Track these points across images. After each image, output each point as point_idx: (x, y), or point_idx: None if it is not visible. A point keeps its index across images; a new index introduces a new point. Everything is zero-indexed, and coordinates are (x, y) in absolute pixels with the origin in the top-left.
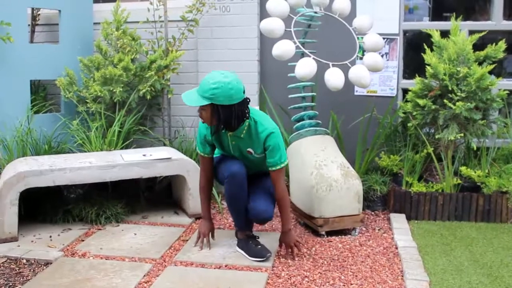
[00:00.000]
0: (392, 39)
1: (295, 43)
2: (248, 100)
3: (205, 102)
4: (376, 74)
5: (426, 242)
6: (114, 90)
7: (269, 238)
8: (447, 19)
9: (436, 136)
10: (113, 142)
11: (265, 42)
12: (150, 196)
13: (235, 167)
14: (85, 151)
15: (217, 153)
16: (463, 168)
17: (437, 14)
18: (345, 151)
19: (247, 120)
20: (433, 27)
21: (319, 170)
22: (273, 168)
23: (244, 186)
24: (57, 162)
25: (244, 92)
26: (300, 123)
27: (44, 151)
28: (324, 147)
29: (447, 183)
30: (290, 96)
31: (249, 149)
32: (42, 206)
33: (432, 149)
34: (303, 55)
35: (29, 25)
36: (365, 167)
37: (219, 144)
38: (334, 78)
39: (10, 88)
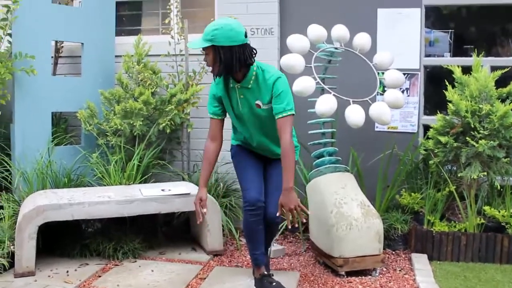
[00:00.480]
0: (413, 74)
1: (315, 79)
2: (254, 50)
3: (206, 44)
4: (397, 110)
5: (449, 284)
6: (134, 124)
7: (287, 277)
8: (468, 51)
9: (459, 174)
10: (132, 176)
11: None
12: (167, 231)
13: (253, 192)
14: (104, 185)
15: (232, 139)
16: (486, 208)
17: (458, 49)
18: (365, 188)
19: (254, 69)
20: (454, 63)
21: (339, 209)
22: (280, 115)
23: (261, 219)
24: (76, 195)
25: (246, 36)
26: (320, 159)
27: (63, 184)
28: (344, 185)
29: (470, 223)
30: (310, 132)
31: (257, 102)
32: (60, 240)
33: (455, 187)
34: (323, 90)
35: (52, 57)
36: (386, 205)
37: (228, 102)
38: (354, 115)
39: (32, 120)
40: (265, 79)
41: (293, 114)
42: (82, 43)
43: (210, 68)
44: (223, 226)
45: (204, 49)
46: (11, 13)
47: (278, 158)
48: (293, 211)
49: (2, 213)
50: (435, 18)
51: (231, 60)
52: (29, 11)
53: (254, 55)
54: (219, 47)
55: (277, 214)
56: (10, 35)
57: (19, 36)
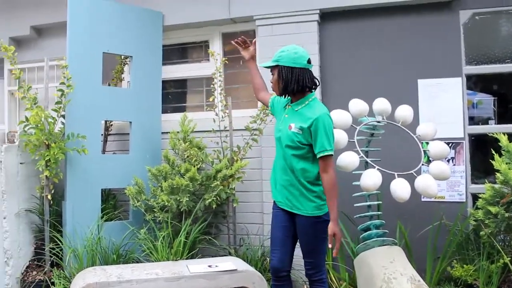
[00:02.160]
0: (458, 143)
1: (358, 152)
2: (316, 79)
3: (271, 64)
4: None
5: None
6: (181, 200)
7: None
8: None
9: None
10: (179, 252)
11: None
12: None
13: (275, 260)
14: (152, 260)
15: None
16: None
17: (502, 115)
18: (415, 261)
19: (311, 98)
20: (499, 131)
21: (389, 284)
22: (319, 154)
23: (285, 285)
24: (125, 273)
25: (309, 63)
26: (367, 233)
27: (112, 260)
28: (393, 259)
29: None
30: (355, 204)
31: (291, 124)
32: None
33: (509, 258)
34: (367, 164)
35: (102, 135)
36: (437, 277)
37: (278, 114)
38: (400, 189)
39: (83, 197)
40: (314, 110)
41: (331, 155)
42: (130, 122)
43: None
44: None
45: (271, 70)
46: (65, 97)
47: (301, 214)
48: (330, 236)
49: None
50: (478, 81)
51: (290, 80)
52: (81, 94)
53: (314, 84)
54: (282, 66)
55: (330, 245)
56: (63, 116)
57: (72, 118)
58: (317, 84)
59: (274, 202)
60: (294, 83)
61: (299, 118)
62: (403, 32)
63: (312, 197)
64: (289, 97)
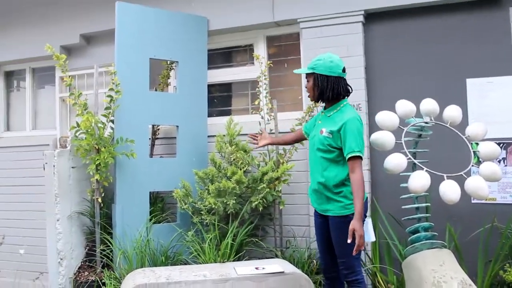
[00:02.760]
0: (509, 143)
1: (406, 154)
2: (349, 86)
3: (307, 71)
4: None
5: None
6: (228, 202)
7: None
8: None
9: None
10: (226, 254)
11: (375, 150)
12: None
13: (323, 265)
14: (200, 262)
15: None
16: None
17: None
18: (465, 265)
19: (343, 104)
20: None
21: None
22: (348, 155)
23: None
24: (173, 274)
25: (343, 71)
26: (415, 235)
27: (161, 262)
28: (442, 262)
29: None
30: (403, 206)
31: (323, 128)
32: None
33: None
34: (415, 165)
35: (149, 139)
36: (489, 281)
37: (313, 127)
38: (449, 191)
39: (131, 200)
40: (344, 115)
41: (360, 157)
42: (177, 126)
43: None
44: None
45: (307, 76)
46: (114, 102)
47: (331, 215)
48: (350, 230)
49: None
50: None
51: (326, 88)
52: (129, 99)
53: (348, 91)
54: (318, 74)
55: (349, 240)
56: (112, 121)
57: (120, 122)
58: (350, 91)
59: (315, 209)
60: (329, 91)
61: (330, 123)
62: (451, 30)
63: (338, 198)
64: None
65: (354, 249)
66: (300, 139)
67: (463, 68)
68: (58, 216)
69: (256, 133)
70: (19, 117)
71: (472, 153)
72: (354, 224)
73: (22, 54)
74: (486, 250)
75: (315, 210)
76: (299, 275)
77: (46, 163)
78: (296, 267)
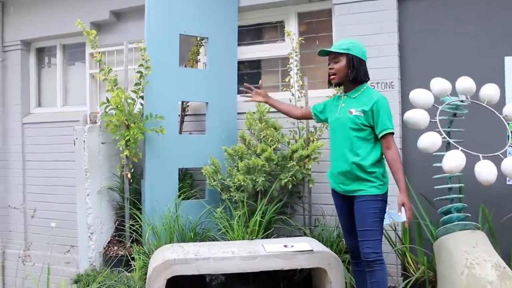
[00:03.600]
0: None
1: (440, 133)
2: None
3: (344, 51)
4: None
5: None
6: (257, 180)
7: None
8: None
9: None
10: (255, 231)
11: (407, 129)
12: (289, 286)
13: (350, 245)
14: (228, 239)
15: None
16: None
17: None
18: (499, 247)
19: (365, 86)
20: None
21: (471, 270)
22: (382, 133)
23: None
24: (202, 250)
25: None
26: (448, 216)
27: (189, 238)
28: (475, 244)
29: None
30: (436, 187)
31: (351, 109)
32: None
33: None
34: (449, 145)
35: (178, 115)
36: None
37: (333, 110)
38: (485, 172)
39: (161, 176)
40: (371, 95)
41: (393, 133)
42: (207, 103)
43: (331, 76)
44: (346, 282)
45: (333, 57)
46: (143, 78)
47: (361, 195)
48: (399, 205)
49: (133, 264)
50: None
51: (360, 70)
52: (159, 75)
53: (368, 78)
54: (354, 56)
55: (399, 213)
56: (142, 97)
57: (150, 99)
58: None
59: (332, 191)
60: (362, 73)
61: (359, 103)
62: (489, 6)
63: (371, 178)
64: (340, 95)
65: (406, 222)
66: (304, 117)
67: (502, 46)
68: (88, 191)
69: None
70: (50, 94)
71: (509, 133)
72: (403, 199)
73: (53, 31)
74: None
75: (335, 192)
76: (328, 253)
77: (76, 139)
78: (325, 245)
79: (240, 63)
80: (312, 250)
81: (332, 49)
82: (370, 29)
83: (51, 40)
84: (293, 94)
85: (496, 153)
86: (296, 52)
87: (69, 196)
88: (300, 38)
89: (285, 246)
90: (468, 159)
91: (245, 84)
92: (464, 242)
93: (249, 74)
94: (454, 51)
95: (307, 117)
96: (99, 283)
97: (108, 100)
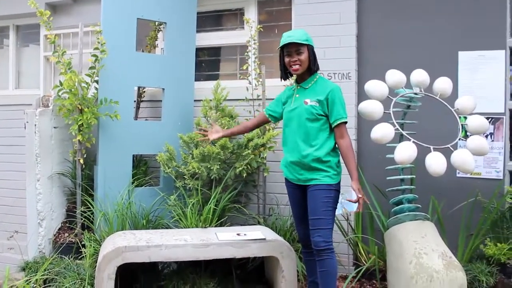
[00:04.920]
0: (498, 118)
1: (394, 125)
2: None
3: (304, 42)
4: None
5: None
6: (211, 167)
7: None
8: None
9: None
10: (208, 219)
11: (362, 120)
12: (242, 275)
13: (301, 234)
14: (181, 227)
15: (282, 163)
16: None
17: None
18: (447, 238)
19: (317, 76)
20: None
21: (419, 259)
22: (336, 122)
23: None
24: (154, 238)
25: None
26: (399, 206)
27: (142, 225)
28: (425, 234)
29: None
30: (388, 178)
31: (306, 99)
32: (136, 280)
33: None
34: (402, 136)
35: (134, 101)
36: (469, 255)
37: (288, 101)
38: (435, 163)
39: (114, 162)
40: (325, 84)
41: (346, 122)
42: (163, 89)
43: (296, 67)
44: (298, 271)
45: (296, 48)
46: (98, 62)
47: (314, 184)
48: (362, 195)
49: (84, 251)
50: None
51: (316, 60)
52: (115, 59)
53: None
54: (312, 47)
55: (360, 194)
56: (97, 82)
57: (105, 83)
58: None
59: (286, 180)
60: (316, 63)
61: (313, 93)
62: (445, 2)
63: (325, 167)
64: (292, 86)
65: (359, 207)
66: (262, 123)
67: (456, 41)
68: (38, 176)
69: (205, 128)
70: (2, 76)
71: (460, 126)
72: (356, 184)
73: (5, 11)
74: (468, 224)
75: (288, 181)
76: (281, 242)
77: (27, 122)
78: (278, 234)
79: (199, 49)
80: (265, 239)
81: (297, 40)
82: (329, 19)
83: (3, 20)
84: (250, 83)
85: (446, 146)
86: (254, 40)
87: (18, 182)
88: (259, 26)
89: (238, 234)
90: (419, 151)
91: (199, 127)
92: (413, 233)
93: (208, 61)
94: (410, 44)
95: (264, 122)
96: (47, 270)
97: (61, 84)
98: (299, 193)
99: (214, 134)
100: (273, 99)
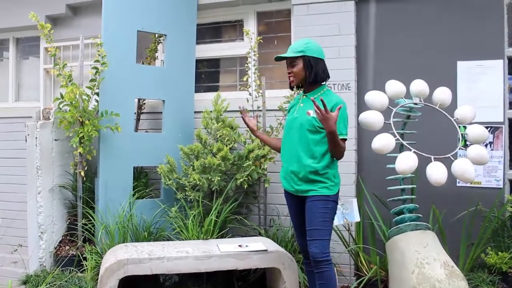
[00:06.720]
0: (497, 127)
1: (394, 135)
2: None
3: (298, 54)
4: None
5: None
6: (212, 179)
7: None
8: None
9: None
10: (210, 231)
11: (362, 130)
12: (244, 286)
13: (301, 246)
14: (183, 239)
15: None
16: None
17: None
18: (448, 247)
19: (325, 88)
20: None
21: (421, 269)
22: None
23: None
24: (155, 250)
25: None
26: (400, 216)
27: (143, 238)
28: (426, 243)
29: None
30: (389, 188)
31: (309, 110)
32: None
33: None
34: (402, 146)
35: (135, 113)
36: (471, 264)
37: (293, 106)
38: (436, 173)
39: (115, 174)
40: (330, 98)
41: (346, 139)
42: (163, 100)
43: (291, 79)
44: (300, 282)
45: (290, 61)
46: (99, 74)
47: (312, 195)
48: (326, 113)
49: (86, 264)
50: None
51: (318, 70)
52: (115, 71)
53: (328, 76)
54: (310, 57)
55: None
56: (97, 94)
57: (106, 95)
58: (329, 76)
59: (285, 191)
60: (321, 73)
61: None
62: (443, 12)
63: (323, 179)
64: (300, 94)
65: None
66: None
67: (455, 51)
68: (39, 189)
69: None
70: (1, 88)
71: (460, 136)
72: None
73: (5, 23)
74: (469, 233)
75: (287, 192)
76: (282, 253)
77: (28, 135)
78: (280, 245)
79: (199, 61)
80: (266, 250)
81: (286, 54)
82: (328, 30)
83: (3, 33)
84: (250, 94)
85: (447, 155)
86: (254, 51)
87: (19, 195)
88: (258, 38)
89: (240, 246)
90: (420, 160)
91: (243, 106)
92: (415, 242)
93: (208, 73)
94: (409, 54)
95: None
96: (49, 283)
97: (62, 96)
98: (298, 204)
99: (252, 121)
100: (274, 110)
